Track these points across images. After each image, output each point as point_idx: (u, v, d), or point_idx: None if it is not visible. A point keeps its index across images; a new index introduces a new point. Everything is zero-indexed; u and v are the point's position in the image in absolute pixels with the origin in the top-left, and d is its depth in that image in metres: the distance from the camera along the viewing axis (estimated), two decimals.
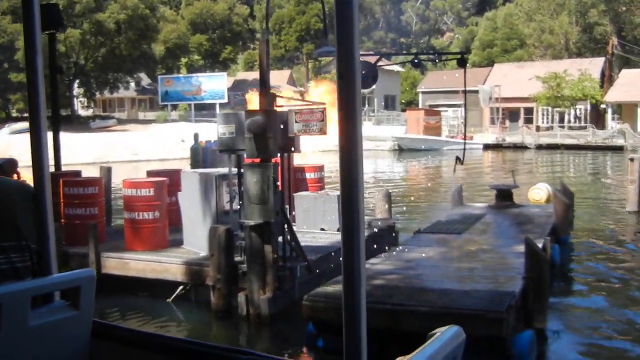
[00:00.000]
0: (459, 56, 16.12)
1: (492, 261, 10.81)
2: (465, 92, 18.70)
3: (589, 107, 71.64)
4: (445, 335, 1.66)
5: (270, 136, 9.94)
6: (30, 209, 2.24)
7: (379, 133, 64.30)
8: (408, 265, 10.62)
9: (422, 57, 24.34)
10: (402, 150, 59.54)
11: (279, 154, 10.75)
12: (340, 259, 1.72)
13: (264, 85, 10.80)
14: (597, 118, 72.19)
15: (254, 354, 2.05)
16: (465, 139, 24.49)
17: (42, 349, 2.01)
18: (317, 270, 11.00)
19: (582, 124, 70.63)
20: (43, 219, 2.23)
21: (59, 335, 2.07)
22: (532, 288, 8.71)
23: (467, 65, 15.73)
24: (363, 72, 14.05)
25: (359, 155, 1.63)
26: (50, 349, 2.04)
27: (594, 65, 75.87)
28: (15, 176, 12.61)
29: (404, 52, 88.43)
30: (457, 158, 16.20)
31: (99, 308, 10.03)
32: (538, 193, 20.71)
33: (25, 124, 60.98)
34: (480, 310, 7.75)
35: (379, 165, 46.68)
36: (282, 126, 10.45)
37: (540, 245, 11.00)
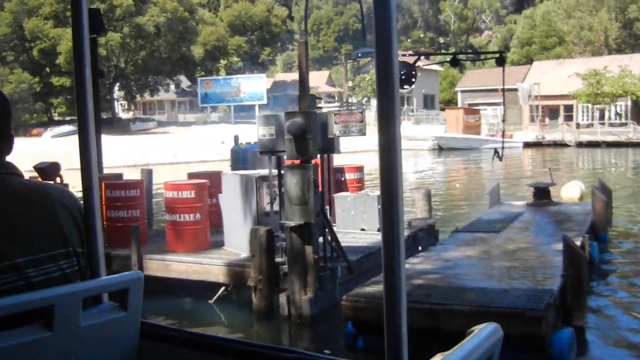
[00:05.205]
0: (497, 55, 16.05)
1: (530, 259, 10.76)
2: (504, 90, 18.67)
3: (629, 103, 70.77)
4: (483, 332, 1.67)
5: (310, 137, 9.97)
6: (74, 213, 2.27)
7: (418, 132, 64.18)
8: (446, 264, 10.59)
9: (461, 56, 24.21)
10: (442, 149, 59.35)
11: (318, 155, 10.79)
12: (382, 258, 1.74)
13: (303, 87, 10.84)
14: (638, 114, 71.31)
15: (300, 352, 2.08)
16: (504, 136, 24.30)
17: (92, 349, 2.07)
18: (358, 271, 11.01)
19: (623, 120, 69.82)
20: (91, 223, 2.28)
21: (108, 336, 2.12)
22: (570, 286, 8.65)
23: (506, 63, 15.66)
24: (402, 72, 14.07)
25: (397, 156, 1.65)
26: (100, 349, 2.09)
27: (635, 62, 74.88)
28: (57, 179, 12.77)
29: (443, 51, 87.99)
30: (495, 150, 16.20)
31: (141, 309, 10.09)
32: (571, 191, 20.66)
33: (67, 127, 61.68)
34: (518, 309, 7.71)
35: (418, 165, 46.52)
36: (321, 127, 10.50)
37: (578, 243, 10.93)
